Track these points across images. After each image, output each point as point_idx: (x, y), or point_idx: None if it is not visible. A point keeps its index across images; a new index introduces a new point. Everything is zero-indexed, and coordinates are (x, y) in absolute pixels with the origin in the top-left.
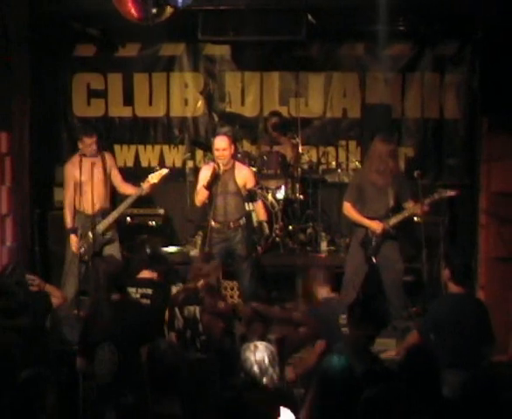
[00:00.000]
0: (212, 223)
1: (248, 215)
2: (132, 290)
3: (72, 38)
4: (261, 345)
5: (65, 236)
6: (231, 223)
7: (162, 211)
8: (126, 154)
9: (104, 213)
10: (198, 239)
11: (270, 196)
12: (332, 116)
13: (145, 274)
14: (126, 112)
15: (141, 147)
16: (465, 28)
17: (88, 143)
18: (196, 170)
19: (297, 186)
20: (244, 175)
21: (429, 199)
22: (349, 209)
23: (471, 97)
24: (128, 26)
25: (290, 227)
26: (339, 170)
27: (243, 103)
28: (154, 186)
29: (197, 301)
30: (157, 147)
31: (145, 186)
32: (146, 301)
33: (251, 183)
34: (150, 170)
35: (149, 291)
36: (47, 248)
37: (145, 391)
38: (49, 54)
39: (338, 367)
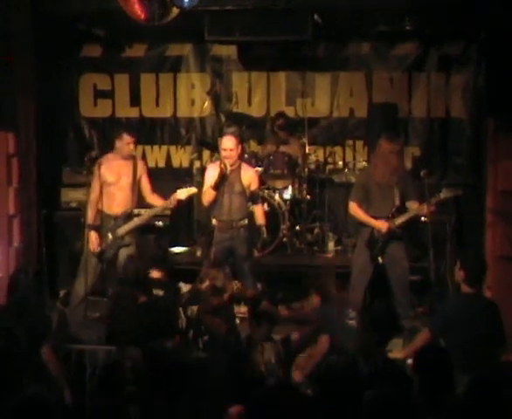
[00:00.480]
0: (216, 221)
1: (251, 215)
2: None
3: (79, 39)
4: (268, 345)
5: (78, 234)
6: (234, 223)
7: (169, 212)
8: None
9: (127, 217)
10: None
11: (277, 197)
12: (339, 116)
13: (154, 274)
14: (133, 112)
15: (147, 148)
16: (470, 28)
17: (127, 141)
18: (203, 170)
19: (304, 186)
20: (249, 177)
21: (435, 199)
22: (355, 208)
23: (477, 96)
24: (135, 27)
25: (297, 227)
26: (346, 170)
27: (250, 103)
28: (180, 202)
29: (200, 302)
30: (164, 148)
31: (172, 201)
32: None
33: (255, 185)
34: (158, 171)
35: (160, 292)
36: (54, 249)
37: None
38: (55, 55)
39: (342, 366)
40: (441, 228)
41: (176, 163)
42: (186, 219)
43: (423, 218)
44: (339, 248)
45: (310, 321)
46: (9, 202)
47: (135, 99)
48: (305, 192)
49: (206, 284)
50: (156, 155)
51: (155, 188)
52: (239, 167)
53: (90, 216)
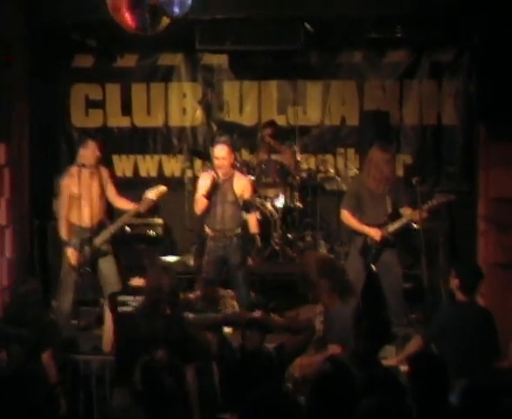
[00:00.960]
0: (209, 231)
1: (244, 224)
2: (129, 298)
3: (71, 49)
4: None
5: (61, 247)
6: (227, 232)
7: (161, 221)
8: (125, 164)
9: (100, 227)
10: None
11: (269, 205)
12: (330, 124)
13: (139, 282)
14: (124, 122)
15: (139, 157)
16: (462, 35)
17: (92, 148)
18: (195, 180)
19: (296, 194)
20: (242, 185)
21: (427, 205)
22: (347, 216)
23: (468, 103)
24: (126, 37)
25: (289, 235)
26: (338, 178)
27: (241, 112)
28: (151, 202)
29: (190, 310)
30: (156, 157)
31: (143, 203)
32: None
33: (248, 194)
34: (149, 180)
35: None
36: (46, 259)
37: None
38: (47, 65)
39: (336, 373)
40: (434, 235)
41: (167, 172)
42: (179, 228)
43: (415, 226)
44: (331, 256)
45: (304, 330)
46: (1, 212)
47: (127, 109)
48: (297, 200)
49: (196, 293)
50: (148, 165)
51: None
52: (232, 176)
53: (63, 231)
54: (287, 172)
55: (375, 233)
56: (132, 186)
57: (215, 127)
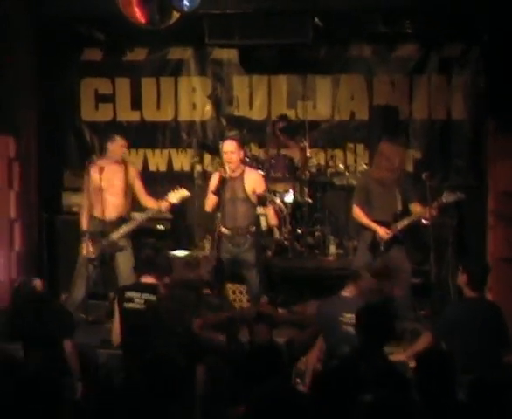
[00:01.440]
0: (222, 229)
1: (258, 221)
2: (136, 295)
3: (80, 43)
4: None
5: (79, 238)
6: (240, 230)
7: (170, 215)
8: (134, 159)
9: (120, 221)
10: (207, 243)
11: (278, 200)
12: (340, 119)
13: (148, 279)
14: (134, 116)
15: (149, 152)
16: (471, 29)
17: (120, 144)
18: (204, 174)
19: (305, 189)
20: (253, 180)
21: (436, 203)
22: (358, 212)
23: (478, 98)
24: (136, 31)
25: (298, 230)
26: (347, 173)
27: (251, 107)
28: (173, 205)
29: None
30: (165, 152)
31: (164, 204)
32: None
33: (261, 188)
34: (159, 174)
35: (153, 297)
36: (55, 252)
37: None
38: (56, 59)
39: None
40: (442, 230)
41: (177, 167)
42: (188, 222)
43: (424, 221)
44: (340, 251)
45: (312, 324)
46: (10, 205)
47: (136, 103)
48: (306, 195)
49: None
50: (157, 159)
51: (157, 193)
52: (243, 173)
53: (83, 222)
54: (297, 167)
55: (384, 233)
56: (141, 180)
57: (224, 122)
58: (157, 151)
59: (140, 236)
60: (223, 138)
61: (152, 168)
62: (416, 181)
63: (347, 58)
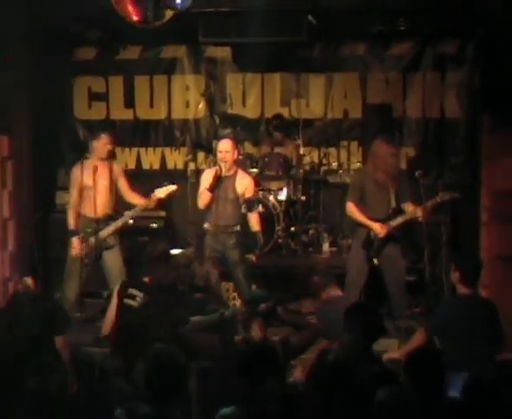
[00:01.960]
0: (207, 225)
1: (244, 222)
2: (139, 294)
3: (73, 41)
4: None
5: (67, 238)
6: (226, 229)
7: (163, 213)
8: (127, 157)
9: (108, 219)
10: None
11: (272, 198)
12: (333, 117)
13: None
14: (127, 114)
15: (142, 150)
16: (466, 26)
17: (104, 142)
18: (197, 172)
19: (299, 187)
20: (245, 184)
21: (431, 201)
22: (352, 209)
23: (472, 95)
24: (129, 29)
25: (292, 228)
26: (341, 171)
27: (244, 104)
28: (160, 200)
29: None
30: (159, 150)
31: (152, 200)
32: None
33: (250, 192)
34: (152, 173)
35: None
36: (49, 251)
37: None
38: (49, 57)
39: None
40: (437, 228)
41: (170, 165)
42: (181, 221)
43: (419, 219)
44: (334, 249)
45: (309, 325)
46: (3, 205)
47: (130, 102)
48: (300, 193)
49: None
50: (151, 157)
51: (150, 191)
52: (235, 173)
53: (71, 220)
54: (291, 165)
55: (379, 228)
56: (134, 178)
57: (218, 120)
58: (150, 149)
59: (133, 234)
60: (216, 136)
61: (145, 166)
62: (410, 179)
63: (341, 57)
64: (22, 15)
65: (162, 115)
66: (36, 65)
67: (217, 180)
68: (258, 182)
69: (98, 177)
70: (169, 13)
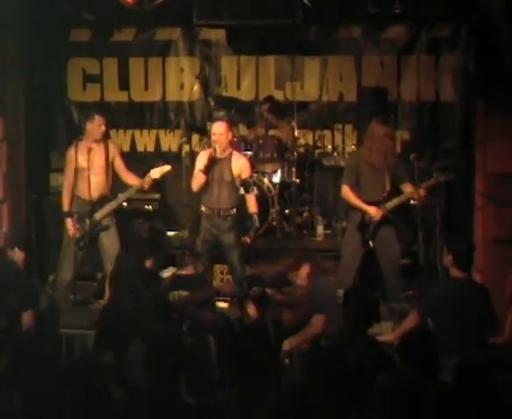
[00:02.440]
0: (203, 208)
1: (240, 205)
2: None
3: (68, 23)
4: None
5: (62, 219)
6: (222, 212)
7: (158, 196)
8: (122, 139)
9: (103, 201)
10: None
11: (266, 180)
12: (328, 100)
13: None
14: (122, 96)
15: (137, 132)
16: (461, 10)
17: (98, 123)
18: (192, 154)
19: (293, 170)
20: (240, 165)
21: (426, 183)
22: (347, 192)
23: (467, 80)
24: (124, 11)
25: (286, 211)
26: (335, 154)
27: (239, 87)
28: (155, 181)
29: (184, 287)
30: (153, 132)
31: (146, 180)
32: None
33: (246, 174)
34: (147, 155)
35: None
36: (43, 233)
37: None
38: (44, 39)
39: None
40: (431, 211)
41: (165, 147)
42: (176, 203)
43: (412, 201)
44: (328, 231)
45: (302, 304)
46: None
47: (124, 84)
48: (294, 176)
49: (188, 269)
50: (145, 140)
51: (144, 173)
52: (230, 155)
53: (65, 202)
54: (285, 147)
55: (375, 212)
56: (129, 161)
57: (212, 102)
58: (145, 131)
59: (127, 216)
60: (211, 118)
61: (140, 148)
62: (404, 162)
63: (336, 39)
64: None
65: (157, 97)
66: (30, 46)
67: (212, 162)
68: (252, 164)
69: (93, 158)
70: None
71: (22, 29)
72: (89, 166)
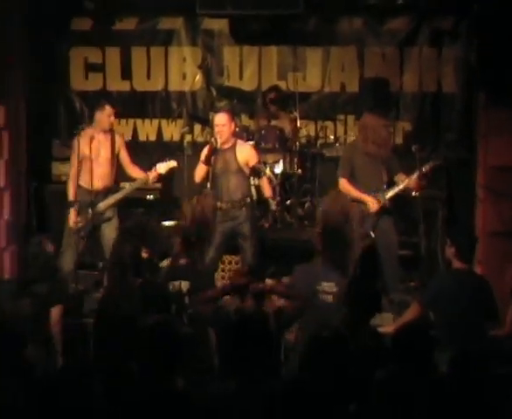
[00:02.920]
0: (218, 203)
1: (252, 193)
2: None
3: (69, 12)
4: None
5: (66, 208)
6: (236, 203)
7: (159, 185)
8: (124, 129)
9: (107, 192)
10: None
11: (268, 171)
12: (330, 90)
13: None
14: (124, 86)
15: (139, 122)
16: (463, 2)
17: (108, 113)
18: (194, 144)
19: (295, 160)
20: (245, 153)
21: (418, 171)
22: (345, 184)
23: (468, 71)
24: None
25: (288, 201)
26: (337, 144)
27: (241, 77)
28: (160, 176)
29: (182, 276)
30: (155, 122)
31: (152, 175)
32: None
33: (254, 160)
34: (148, 144)
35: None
36: (44, 222)
37: None
38: (46, 27)
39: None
40: (432, 203)
41: (167, 137)
42: (177, 193)
43: (414, 193)
44: None
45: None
46: None
47: (126, 73)
48: (296, 166)
49: (185, 260)
50: (147, 129)
51: (146, 162)
52: (234, 145)
53: (70, 192)
54: (287, 138)
55: (373, 203)
56: (131, 150)
57: (214, 92)
58: (147, 121)
59: (128, 206)
60: (213, 108)
61: (142, 137)
62: (406, 153)
63: (338, 30)
64: None
65: (159, 87)
66: (32, 35)
67: (213, 152)
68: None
69: (99, 149)
70: None
71: (24, 17)
72: (94, 156)
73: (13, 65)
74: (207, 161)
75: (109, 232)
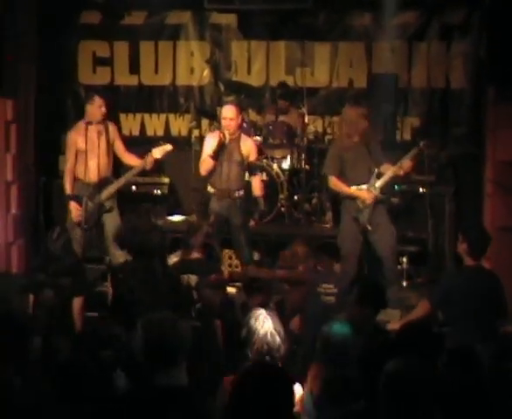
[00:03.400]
0: (213, 190)
1: (247, 187)
2: None
3: (78, 6)
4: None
5: (66, 203)
6: (231, 193)
7: (167, 180)
8: (131, 123)
9: (105, 183)
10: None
11: (275, 166)
12: (338, 86)
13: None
14: (132, 80)
15: (146, 116)
16: None
17: (98, 105)
18: (201, 139)
19: (303, 156)
20: (248, 147)
21: (408, 155)
22: (335, 182)
23: (478, 66)
24: None
25: (295, 197)
26: None
27: (249, 72)
28: (157, 161)
29: (191, 270)
30: (163, 116)
31: (148, 160)
32: None
33: (253, 156)
34: (156, 139)
35: None
36: (52, 215)
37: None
38: (55, 21)
39: (340, 335)
40: (440, 199)
41: (174, 132)
42: (184, 187)
43: (421, 189)
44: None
45: (303, 281)
46: (7, 168)
47: (135, 67)
48: (303, 162)
49: (196, 255)
50: (155, 123)
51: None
52: (239, 137)
53: (67, 185)
54: (295, 133)
55: (366, 195)
56: (138, 145)
57: (222, 87)
58: (155, 115)
59: (136, 200)
60: (221, 103)
61: (149, 132)
62: (414, 147)
63: (346, 25)
64: None
65: (167, 81)
66: (41, 29)
67: (221, 147)
68: (261, 150)
69: (94, 140)
70: None
71: (33, 11)
72: (89, 148)
73: (21, 59)
74: (215, 156)
75: (110, 223)
